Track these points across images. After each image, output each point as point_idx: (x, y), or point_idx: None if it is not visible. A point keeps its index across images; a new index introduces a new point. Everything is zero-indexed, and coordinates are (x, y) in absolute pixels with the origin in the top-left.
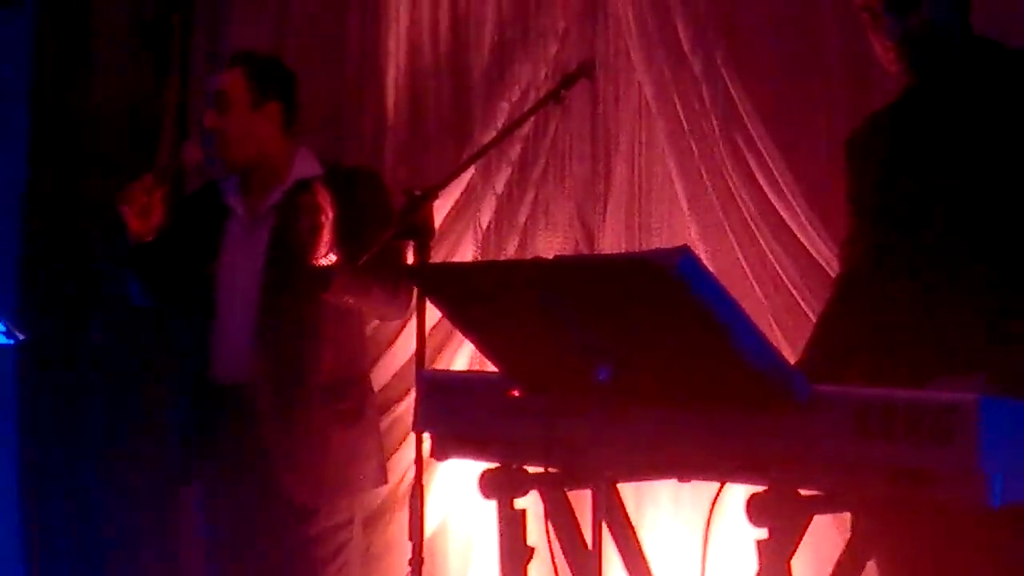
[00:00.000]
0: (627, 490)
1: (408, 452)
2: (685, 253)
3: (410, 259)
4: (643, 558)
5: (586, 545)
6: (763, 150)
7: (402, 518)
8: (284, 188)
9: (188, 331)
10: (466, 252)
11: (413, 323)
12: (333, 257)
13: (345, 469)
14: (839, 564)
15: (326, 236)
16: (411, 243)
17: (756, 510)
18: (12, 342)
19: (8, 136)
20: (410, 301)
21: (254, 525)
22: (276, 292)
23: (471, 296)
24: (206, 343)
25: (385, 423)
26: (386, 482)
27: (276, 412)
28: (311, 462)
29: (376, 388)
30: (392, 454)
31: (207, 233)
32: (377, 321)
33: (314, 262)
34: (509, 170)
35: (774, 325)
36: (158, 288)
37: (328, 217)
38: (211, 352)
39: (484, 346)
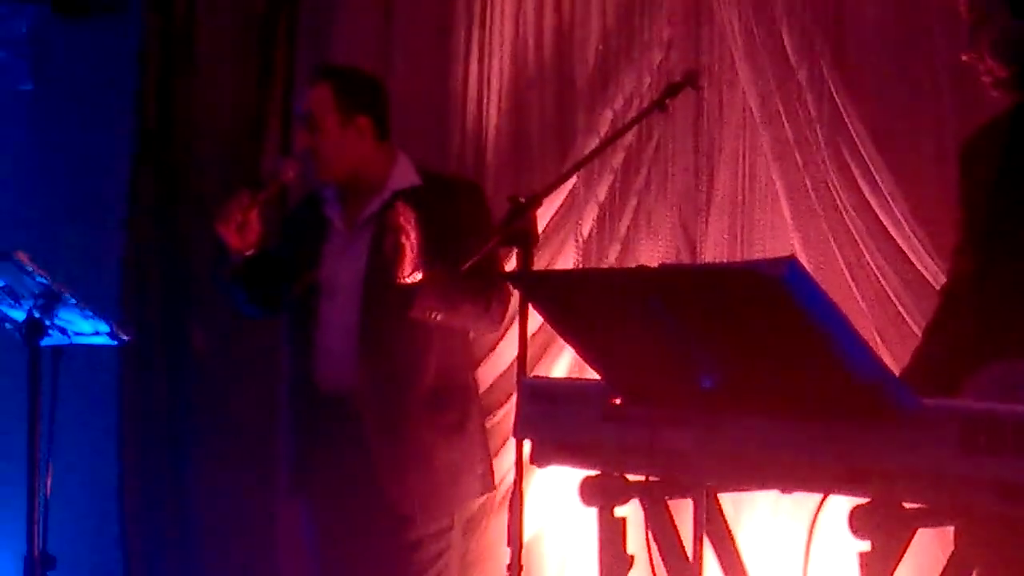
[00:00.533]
0: (724, 498)
1: (507, 458)
2: (792, 263)
3: (512, 266)
4: (743, 568)
5: (686, 555)
6: (868, 161)
7: (499, 524)
8: (382, 198)
9: (292, 341)
10: (567, 260)
11: (515, 328)
12: (419, 275)
13: (450, 482)
14: None
15: (410, 255)
16: (514, 250)
17: (859, 522)
18: (116, 343)
19: (113, 139)
20: (503, 315)
21: (356, 531)
22: (378, 303)
23: (575, 303)
24: (309, 353)
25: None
26: (494, 488)
27: (381, 422)
28: (416, 475)
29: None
30: (492, 460)
31: (309, 244)
32: None
33: (399, 280)
34: (611, 178)
35: (877, 338)
36: (264, 299)
37: (410, 236)
38: (314, 362)
39: (586, 353)
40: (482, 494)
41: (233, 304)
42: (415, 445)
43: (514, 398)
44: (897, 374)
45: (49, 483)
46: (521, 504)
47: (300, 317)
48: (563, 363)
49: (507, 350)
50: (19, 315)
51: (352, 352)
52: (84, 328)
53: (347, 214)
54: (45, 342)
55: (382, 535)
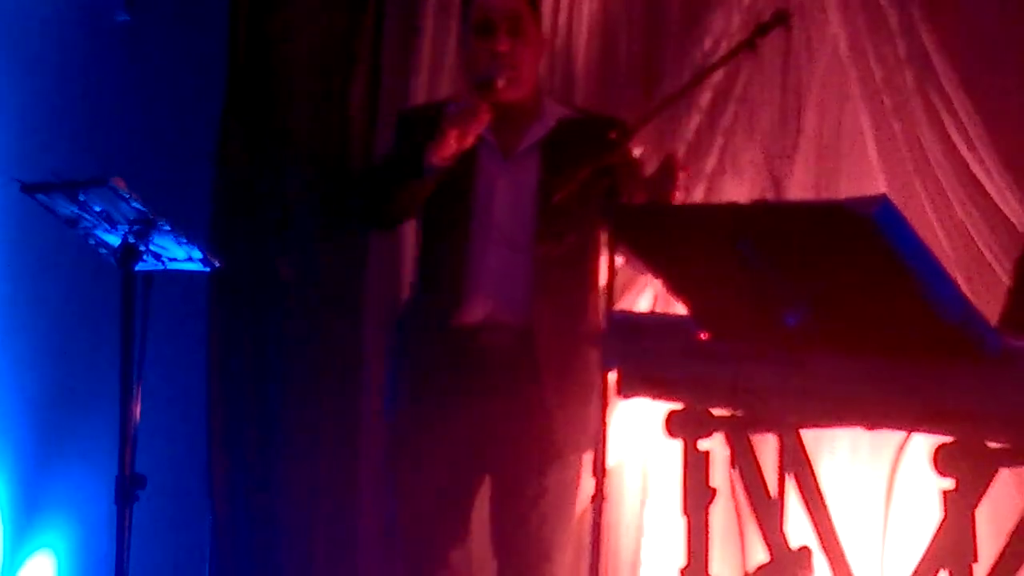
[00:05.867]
0: (805, 436)
1: None
2: (884, 201)
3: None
4: (824, 505)
5: (768, 490)
6: (957, 106)
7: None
8: (545, 125)
9: (433, 269)
10: None
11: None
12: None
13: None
14: (1022, 518)
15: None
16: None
17: (943, 460)
18: (208, 269)
19: (205, 71)
20: None
21: (522, 468)
22: (554, 236)
23: (664, 237)
24: (459, 283)
25: None
26: None
27: (555, 360)
28: (583, 413)
29: None
30: None
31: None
32: None
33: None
34: (698, 116)
35: (961, 281)
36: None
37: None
38: (467, 292)
39: (674, 287)
40: None
41: (353, 214)
42: (582, 384)
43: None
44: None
45: (139, 406)
46: (605, 435)
47: (443, 245)
48: (644, 302)
49: None
50: (114, 240)
51: (523, 284)
52: (178, 254)
53: (501, 138)
54: (139, 267)
55: (548, 473)
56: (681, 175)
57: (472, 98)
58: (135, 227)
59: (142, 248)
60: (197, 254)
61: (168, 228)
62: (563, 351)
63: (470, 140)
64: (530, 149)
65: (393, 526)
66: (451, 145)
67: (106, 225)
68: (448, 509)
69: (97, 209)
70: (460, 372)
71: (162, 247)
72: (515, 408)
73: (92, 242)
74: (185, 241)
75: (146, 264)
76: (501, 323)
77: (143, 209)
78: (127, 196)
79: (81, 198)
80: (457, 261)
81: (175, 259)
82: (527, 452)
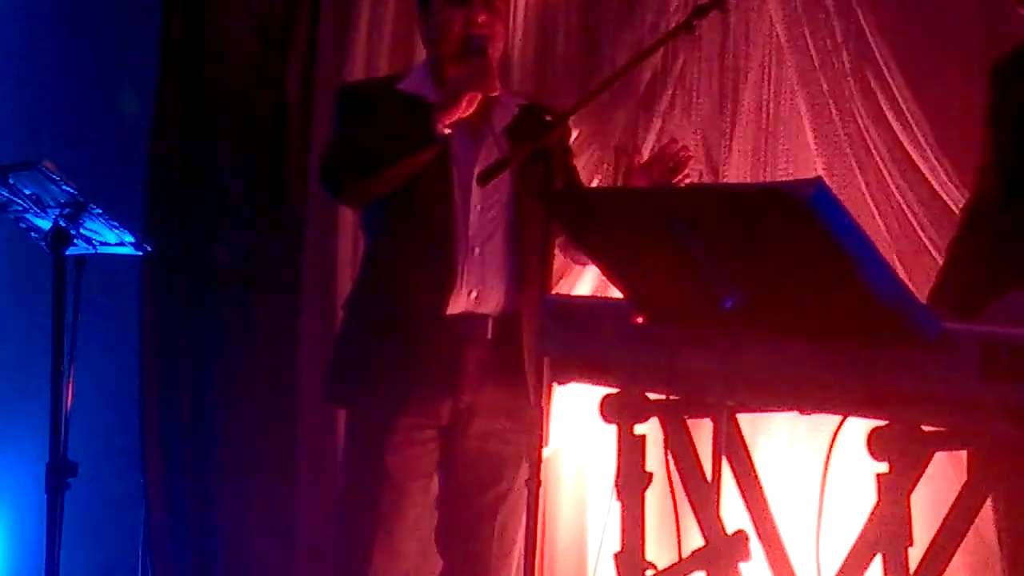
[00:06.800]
0: (742, 420)
1: None
2: (819, 184)
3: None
4: (760, 489)
5: (704, 474)
6: (894, 87)
7: None
8: (511, 109)
9: (401, 253)
10: (590, 179)
11: None
12: None
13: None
14: (956, 503)
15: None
16: (541, 166)
17: (878, 444)
18: (141, 253)
19: (140, 52)
20: None
21: (494, 456)
22: (529, 218)
23: (599, 221)
24: (435, 266)
25: None
26: None
27: (534, 344)
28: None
29: None
30: None
31: (416, 142)
32: None
33: None
34: (636, 100)
35: (898, 263)
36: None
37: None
38: (448, 281)
39: (609, 271)
40: None
41: (339, 191)
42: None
43: None
44: (919, 299)
45: (71, 392)
46: (542, 421)
47: (420, 230)
48: (584, 286)
49: None
50: (45, 224)
51: (506, 273)
52: (109, 238)
53: (465, 120)
54: (70, 251)
55: (521, 466)
56: (690, 162)
57: (481, 60)
58: (66, 211)
59: (73, 232)
60: (129, 238)
61: (99, 211)
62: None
63: (475, 105)
64: (501, 134)
65: (342, 512)
66: (463, 109)
67: (37, 209)
68: (406, 500)
69: (27, 192)
70: (436, 362)
71: (93, 230)
72: (496, 404)
73: (23, 226)
74: (117, 225)
75: (77, 248)
76: (484, 313)
77: (74, 192)
78: (58, 179)
79: (11, 181)
80: (439, 248)
81: (107, 243)
82: (508, 446)
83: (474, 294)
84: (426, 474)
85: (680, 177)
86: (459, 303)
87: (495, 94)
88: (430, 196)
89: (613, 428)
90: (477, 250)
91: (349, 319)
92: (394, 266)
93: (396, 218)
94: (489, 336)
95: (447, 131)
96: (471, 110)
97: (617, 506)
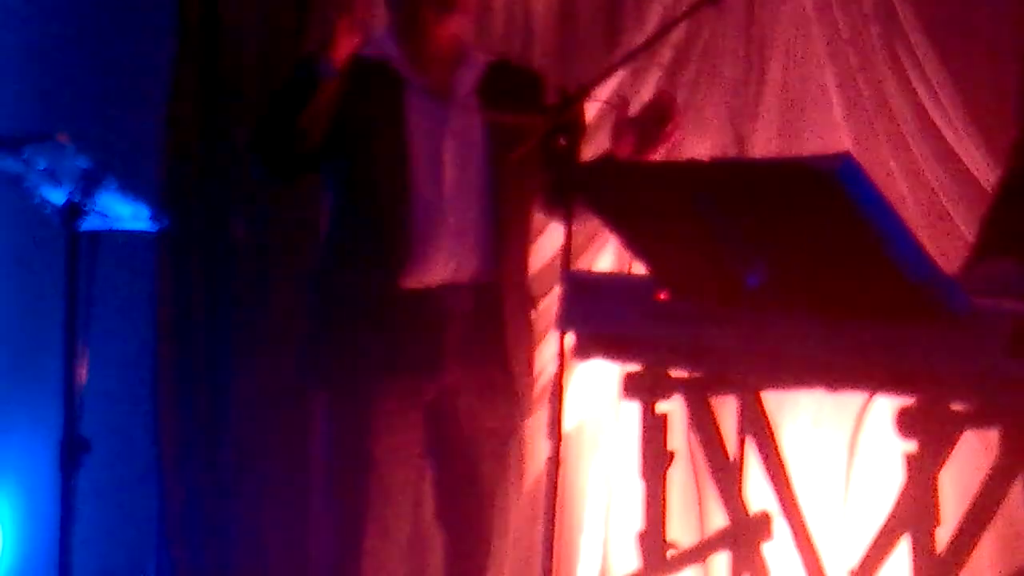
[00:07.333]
0: (766, 398)
1: (547, 350)
2: (846, 158)
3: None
4: (784, 469)
5: (727, 453)
6: (923, 61)
7: (539, 416)
8: (478, 69)
9: (372, 223)
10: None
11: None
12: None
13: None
14: (985, 482)
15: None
16: (561, 141)
17: (906, 423)
18: (156, 228)
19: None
20: None
21: (486, 429)
22: (504, 183)
23: (623, 196)
24: (409, 241)
25: None
26: None
27: (514, 321)
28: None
29: None
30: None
31: (375, 106)
32: None
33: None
34: (659, 72)
35: (926, 239)
36: (303, 160)
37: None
38: (420, 251)
39: (633, 247)
40: None
41: (265, 158)
42: (531, 337)
43: (556, 290)
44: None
45: (86, 369)
46: (562, 397)
47: (384, 199)
48: (605, 261)
49: (548, 242)
50: (59, 198)
51: (483, 240)
52: (124, 213)
53: (427, 80)
54: (84, 226)
55: (510, 443)
56: (678, 116)
57: None
58: (80, 184)
59: (87, 206)
60: (144, 212)
61: (115, 185)
62: (520, 312)
63: (357, 37)
64: (468, 93)
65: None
66: (343, 42)
67: (51, 182)
68: (395, 487)
69: (41, 166)
70: (417, 338)
71: (108, 205)
72: (480, 377)
73: (36, 200)
74: (132, 199)
75: (92, 223)
76: (461, 283)
77: (89, 166)
78: (72, 152)
79: (25, 154)
80: (406, 218)
81: (121, 218)
82: (493, 422)
83: (451, 264)
84: (414, 456)
85: (669, 128)
86: (436, 273)
87: (360, 16)
88: (388, 161)
89: (635, 406)
90: (452, 219)
91: (321, 296)
92: (357, 240)
93: (352, 188)
94: (471, 307)
95: (338, 64)
96: (356, 40)
97: (639, 485)
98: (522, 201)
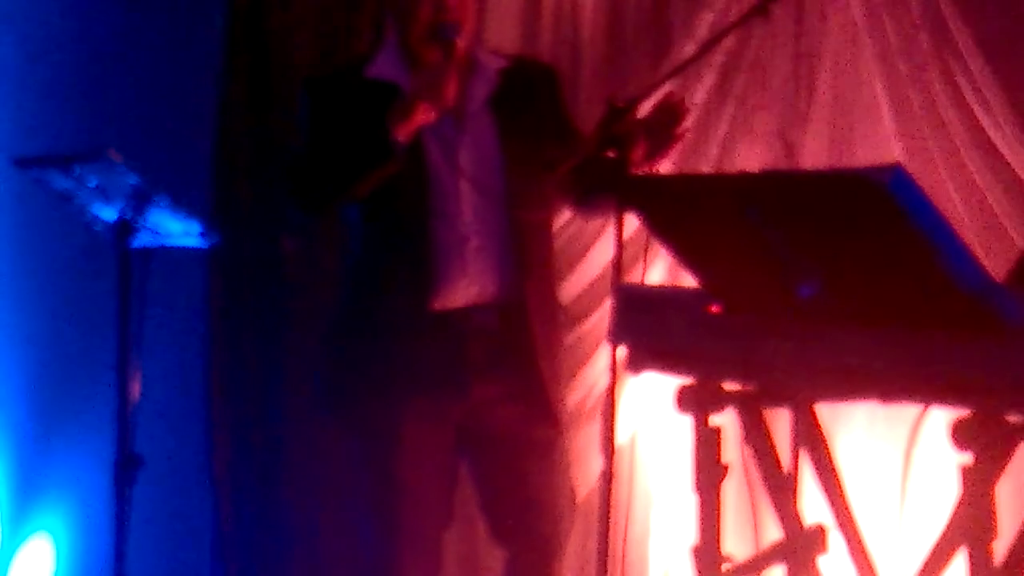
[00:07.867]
0: (820, 411)
1: (597, 365)
2: (897, 169)
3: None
4: (839, 481)
5: (782, 466)
6: (975, 72)
7: (591, 431)
8: (491, 79)
9: (393, 247)
10: (664, 165)
11: (606, 234)
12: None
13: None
14: None
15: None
16: (611, 154)
17: (962, 434)
18: (207, 245)
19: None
20: None
21: (522, 452)
22: (525, 198)
23: (673, 209)
24: (432, 264)
25: (576, 334)
26: None
27: (543, 337)
28: (560, 384)
29: (568, 299)
30: (582, 367)
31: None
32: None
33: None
34: (709, 84)
35: (979, 251)
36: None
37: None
38: (444, 274)
39: (684, 260)
40: None
41: (305, 207)
42: (560, 353)
43: (607, 304)
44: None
45: (138, 386)
46: (614, 411)
47: (403, 225)
48: (655, 274)
49: (597, 256)
50: (110, 215)
51: (506, 259)
52: (174, 229)
53: None
54: (135, 243)
55: (547, 456)
56: (686, 118)
57: (440, 66)
58: (131, 201)
59: (138, 223)
60: (195, 229)
61: (165, 202)
62: (548, 326)
63: (436, 113)
64: (481, 107)
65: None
66: (420, 119)
67: (102, 200)
68: (430, 510)
69: (92, 184)
70: (442, 359)
71: (158, 222)
72: (512, 393)
73: (88, 218)
74: (183, 215)
75: (143, 240)
76: (487, 304)
77: (139, 182)
78: (123, 169)
79: (76, 172)
80: (428, 241)
81: (172, 234)
82: (531, 430)
83: (474, 286)
84: (447, 478)
85: (679, 129)
86: (460, 294)
87: (449, 106)
88: (405, 184)
89: (688, 419)
90: (474, 241)
91: (340, 327)
92: (380, 265)
93: (375, 218)
94: (496, 326)
95: (409, 140)
96: (430, 118)
97: (694, 498)
98: (545, 217)
